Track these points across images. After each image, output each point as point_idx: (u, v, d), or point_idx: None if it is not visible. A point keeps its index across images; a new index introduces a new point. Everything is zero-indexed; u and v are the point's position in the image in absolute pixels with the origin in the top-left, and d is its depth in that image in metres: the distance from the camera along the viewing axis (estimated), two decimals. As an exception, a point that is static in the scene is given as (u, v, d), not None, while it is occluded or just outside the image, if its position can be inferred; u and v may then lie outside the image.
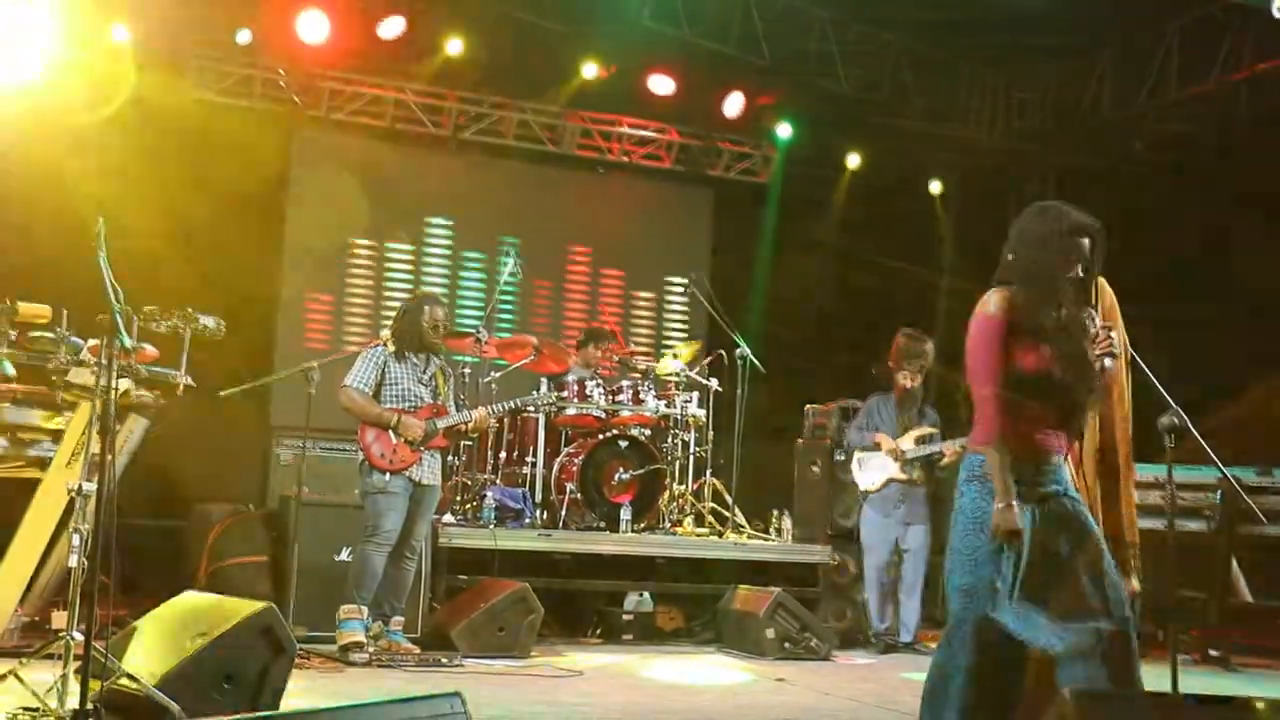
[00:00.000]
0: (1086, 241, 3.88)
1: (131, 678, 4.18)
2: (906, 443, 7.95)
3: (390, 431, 6.56)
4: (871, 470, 8.08)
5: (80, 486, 4.18)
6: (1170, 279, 9.68)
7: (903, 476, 7.94)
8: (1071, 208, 3.96)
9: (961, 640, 3.72)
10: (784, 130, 11.21)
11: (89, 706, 3.76)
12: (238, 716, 2.61)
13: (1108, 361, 3.89)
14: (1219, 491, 8.12)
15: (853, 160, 11.65)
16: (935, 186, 12.01)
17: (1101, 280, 5.05)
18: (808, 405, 9.32)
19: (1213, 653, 8.08)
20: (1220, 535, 8.18)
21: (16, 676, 4.11)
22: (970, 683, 3.69)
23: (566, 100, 11.00)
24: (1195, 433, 4.59)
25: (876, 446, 8.03)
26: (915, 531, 7.94)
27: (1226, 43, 9.43)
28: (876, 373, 8.90)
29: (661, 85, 10.46)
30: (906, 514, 7.96)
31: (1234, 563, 8.40)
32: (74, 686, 4.01)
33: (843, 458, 8.78)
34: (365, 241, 10.81)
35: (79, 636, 4.05)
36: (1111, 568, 3.80)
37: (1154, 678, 4.08)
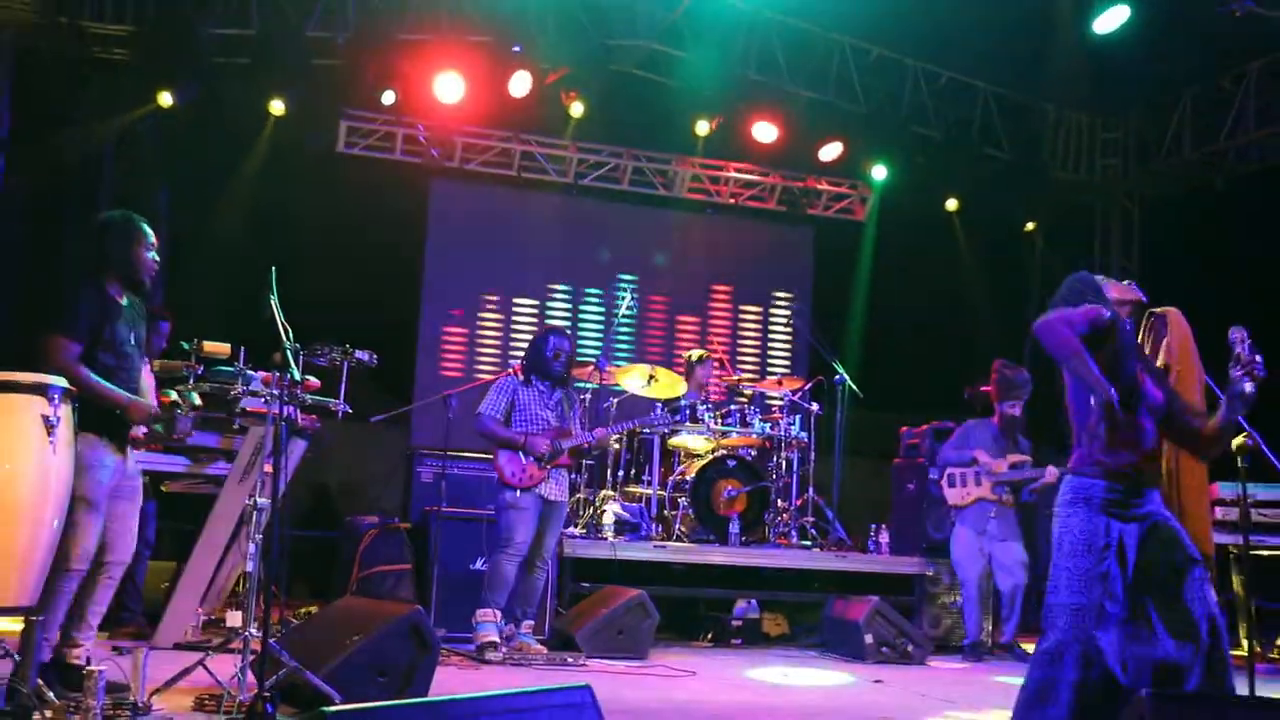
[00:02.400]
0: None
1: (299, 669, 4.39)
2: (1003, 466, 7.87)
3: (520, 452, 6.71)
4: (961, 487, 8.00)
5: (256, 501, 4.43)
6: (1250, 310, 9.48)
7: (992, 496, 7.82)
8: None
9: (1073, 657, 3.69)
10: (879, 172, 11.22)
11: (264, 694, 3.99)
12: (392, 702, 2.78)
13: (1248, 386, 3.73)
14: (1301, 508, 7.95)
15: (950, 204, 11.58)
16: (1026, 223, 11.91)
17: (1175, 311, 5.04)
18: (902, 427, 9.32)
19: (1297, 662, 7.90)
20: (1302, 550, 8.00)
21: (204, 668, 4.36)
22: (1077, 697, 3.67)
23: (679, 149, 11.21)
24: (1269, 452, 4.57)
25: (973, 462, 7.96)
26: (1010, 547, 7.78)
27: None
28: (970, 398, 8.89)
29: (765, 133, 10.55)
30: (999, 530, 7.83)
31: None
32: (250, 676, 4.27)
33: (936, 475, 8.76)
34: (495, 279, 11.07)
35: (255, 633, 4.29)
36: (1207, 584, 3.78)
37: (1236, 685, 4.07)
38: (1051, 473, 7.59)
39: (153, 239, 4.65)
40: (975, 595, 7.88)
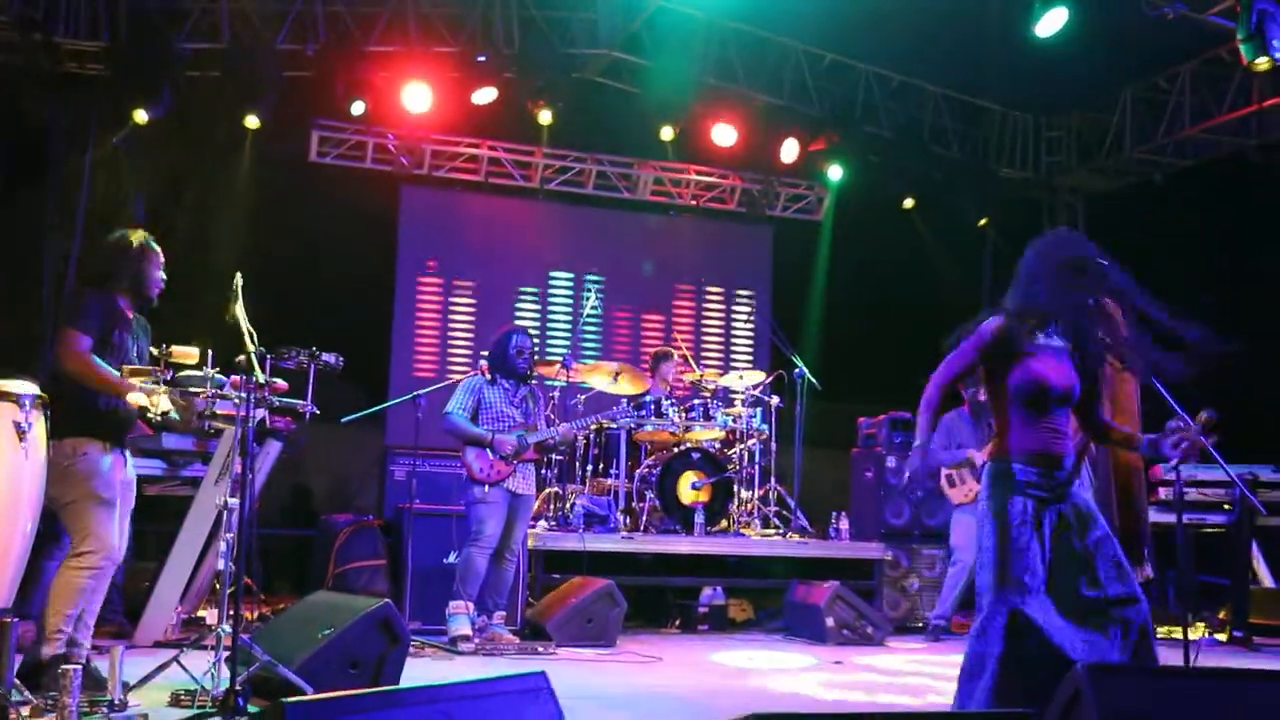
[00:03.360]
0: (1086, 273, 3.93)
1: (272, 663, 4.37)
2: (984, 457, 7.67)
3: (487, 448, 6.73)
4: (962, 485, 7.81)
5: (226, 501, 4.41)
6: (1191, 295, 9.59)
7: None
8: (1073, 239, 4.02)
9: (996, 631, 3.74)
10: (835, 173, 11.24)
11: (236, 688, 3.98)
12: (361, 691, 2.77)
13: (1174, 458, 3.91)
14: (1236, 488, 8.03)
15: (904, 201, 11.57)
16: (977, 219, 11.93)
17: (1110, 301, 5.08)
18: (860, 418, 9.35)
19: (1236, 634, 7.98)
20: (1240, 526, 8.09)
21: (179, 663, 4.33)
22: (1002, 669, 3.72)
23: (642, 153, 11.22)
24: (1201, 436, 4.59)
25: (968, 462, 7.76)
26: None
27: (1235, 82, 9.37)
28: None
29: (724, 136, 10.55)
30: None
31: (1255, 551, 8.29)
32: (225, 671, 4.24)
33: (894, 463, 8.78)
34: (465, 282, 11.05)
35: (228, 629, 4.27)
36: (1123, 559, 3.83)
37: (1176, 654, 4.13)
38: None
39: (162, 259, 4.74)
40: (964, 576, 7.78)
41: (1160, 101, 10.17)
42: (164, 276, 4.74)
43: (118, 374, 4.41)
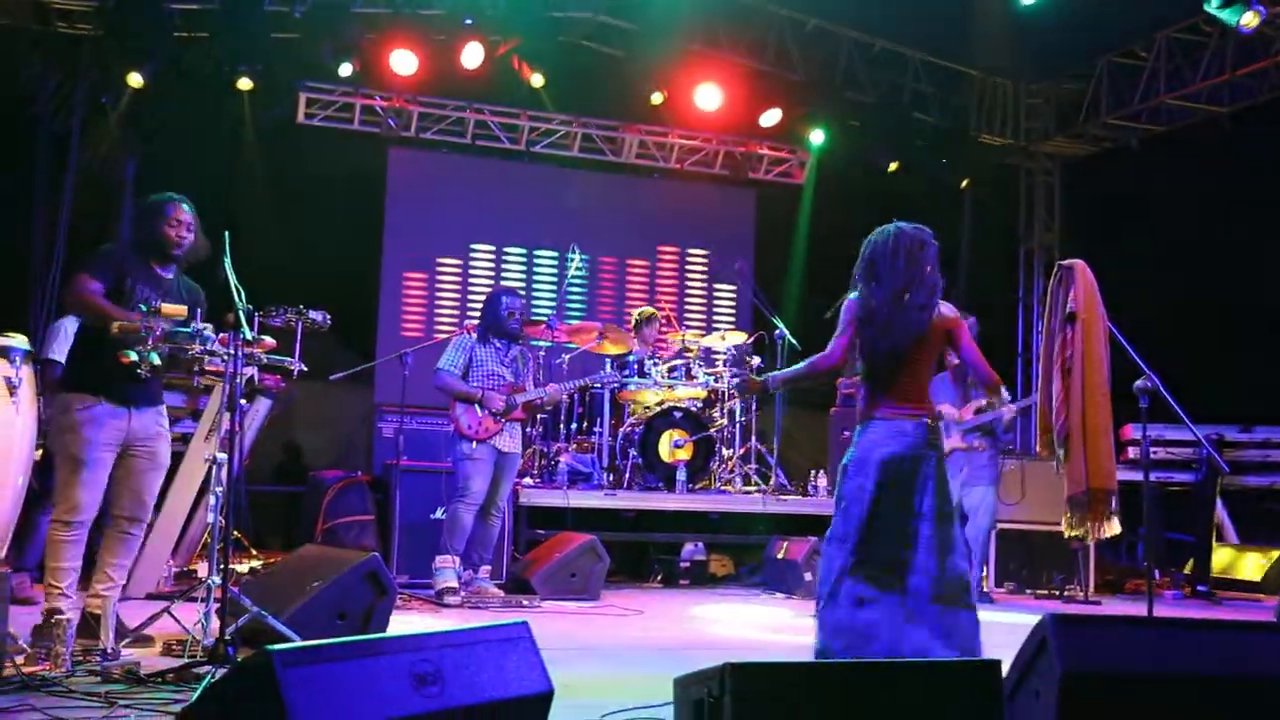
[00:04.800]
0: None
1: (261, 614, 4.39)
2: (968, 413, 7.42)
3: (476, 406, 6.72)
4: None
5: (215, 456, 4.40)
6: (1164, 259, 9.65)
7: (963, 445, 7.37)
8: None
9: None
10: (816, 137, 11.19)
11: (226, 638, 3.99)
12: (348, 638, 2.79)
13: None
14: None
15: (885, 166, 11.51)
16: (957, 183, 11.91)
17: (1081, 263, 5.09)
18: (839, 378, 9.36)
19: (1200, 588, 8.08)
20: (1205, 485, 8.17)
21: (170, 614, 4.35)
22: None
23: (627, 117, 11.15)
24: (1167, 396, 4.64)
25: (940, 417, 7.67)
26: (975, 492, 7.36)
27: (1209, 50, 9.37)
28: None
29: (708, 101, 10.50)
30: (968, 476, 7.36)
31: (1219, 508, 8.38)
32: (215, 622, 4.25)
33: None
34: (451, 243, 10.99)
35: (218, 581, 4.28)
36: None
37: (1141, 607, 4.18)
38: (1010, 408, 7.32)
39: (181, 216, 4.57)
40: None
41: (1136, 69, 10.16)
42: (183, 233, 4.57)
43: (115, 307, 4.29)
